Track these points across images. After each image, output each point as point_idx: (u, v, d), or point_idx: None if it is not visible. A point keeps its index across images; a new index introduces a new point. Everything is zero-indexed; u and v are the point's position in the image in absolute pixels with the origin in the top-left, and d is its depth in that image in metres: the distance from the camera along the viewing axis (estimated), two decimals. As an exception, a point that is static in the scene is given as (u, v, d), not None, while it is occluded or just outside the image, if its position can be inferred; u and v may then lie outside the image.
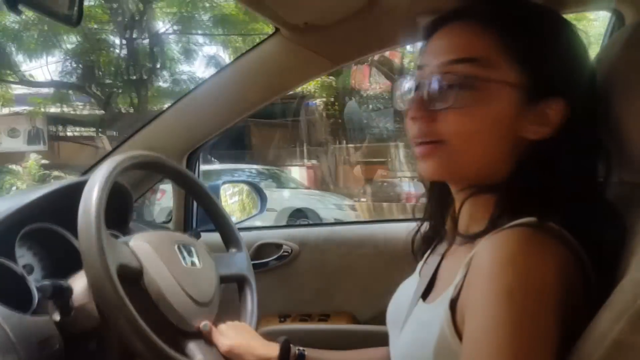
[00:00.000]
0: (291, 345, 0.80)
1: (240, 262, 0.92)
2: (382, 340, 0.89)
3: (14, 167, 9.05)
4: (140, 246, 0.72)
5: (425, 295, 0.63)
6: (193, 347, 0.72)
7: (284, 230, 1.40)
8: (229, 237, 0.93)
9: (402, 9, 0.96)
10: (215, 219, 0.93)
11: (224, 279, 0.86)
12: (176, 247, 0.78)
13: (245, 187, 1.69)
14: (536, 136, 0.55)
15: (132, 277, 0.69)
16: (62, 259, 0.92)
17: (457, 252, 0.61)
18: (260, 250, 1.36)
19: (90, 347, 0.71)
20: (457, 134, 0.55)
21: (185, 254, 0.78)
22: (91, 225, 0.64)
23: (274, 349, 0.79)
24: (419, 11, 0.97)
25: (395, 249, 1.26)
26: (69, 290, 0.69)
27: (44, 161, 8.74)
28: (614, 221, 0.54)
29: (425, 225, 0.73)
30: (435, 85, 0.56)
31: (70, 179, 0.93)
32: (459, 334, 0.52)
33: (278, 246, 1.36)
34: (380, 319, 1.26)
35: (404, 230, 1.30)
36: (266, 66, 1.12)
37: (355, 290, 1.29)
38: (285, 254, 1.34)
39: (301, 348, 0.82)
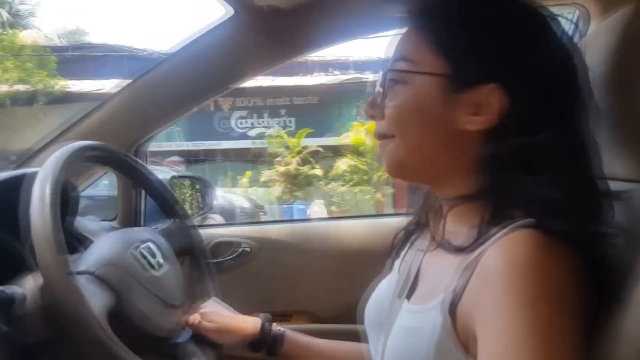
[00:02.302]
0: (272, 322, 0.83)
1: (186, 232, 0.88)
2: (346, 339, 0.86)
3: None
4: (109, 273, 0.65)
5: (409, 294, 0.61)
6: (186, 349, 0.71)
7: (242, 228, 1.34)
8: (170, 208, 0.88)
9: (370, -2, 0.93)
10: (156, 193, 0.88)
11: (177, 254, 0.82)
12: (139, 252, 0.71)
13: (197, 183, 1.61)
14: (479, 126, 0.55)
15: (113, 311, 0.62)
16: (6, 262, 0.81)
17: (444, 251, 0.58)
18: (216, 249, 1.29)
19: None
20: (393, 125, 0.59)
21: (148, 256, 0.73)
22: (56, 273, 0.56)
23: (256, 323, 0.82)
24: (386, 1, 0.94)
25: (358, 246, 1.23)
26: (22, 298, 0.60)
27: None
28: (610, 219, 0.52)
29: (410, 221, 0.71)
30: (378, 84, 0.61)
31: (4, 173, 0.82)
32: (460, 341, 0.49)
33: (235, 245, 1.29)
34: (343, 318, 1.24)
35: (367, 227, 1.30)
36: (221, 51, 1.05)
37: (317, 289, 1.25)
38: (243, 252, 1.28)
39: (281, 328, 0.83)
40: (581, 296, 0.46)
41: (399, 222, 0.73)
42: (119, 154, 0.79)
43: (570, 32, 0.98)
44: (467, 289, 0.50)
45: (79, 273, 0.63)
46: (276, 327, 0.82)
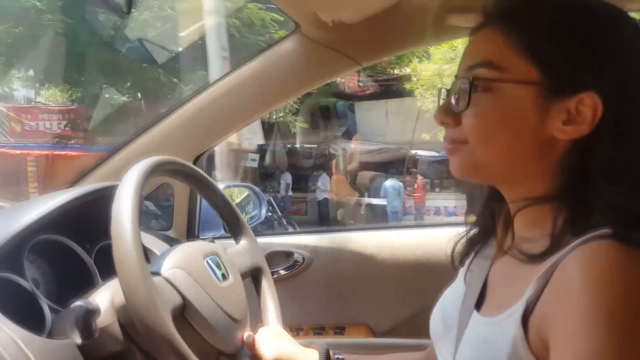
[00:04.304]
0: (330, 350, 0.79)
1: (252, 253, 0.87)
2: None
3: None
4: (177, 275, 0.66)
5: (478, 304, 0.59)
6: None
7: (295, 237, 1.35)
8: (239, 228, 0.88)
9: (433, 7, 0.93)
10: (224, 212, 0.88)
11: (241, 275, 0.81)
12: (205, 262, 0.72)
13: (247, 192, 1.62)
14: (572, 135, 0.53)
15: (177, 313, 0.63)
16: (67, 273, 0.84)
17: (513, 260, 0.57)
18: (269, 259, 1.29)
19: None
20: (475, 135, 0.56)
21: (215, 267, 0.73)
22: (136, 270, 0.58)
23: (314, 354, 0.78)
24: (448, 10, 0.94)
25: (414, 257, 1.22)
26: (98, 311, 0.61)
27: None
28: None
29: (474, 230, 0.69)
30: (456, 90, 0.57)
31: (79, 189, 0.84)
32: (533, 352, 0.48)
33: (288, 254, 1.30)
34: (399, 330, 1.23)
35: (423, 236, 1.29)
36: (284, 65, 1.06)
37: (371, 301, 1.24)
38: (297, 262, 1.29)
39: (340, 355, 0.80)
40: None
41: (457, 231, 0.71)
42: (191, 169, 0.80)
43: None
44: (541, 300, 0.49)
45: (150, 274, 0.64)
46: (335, 356, 0.80)
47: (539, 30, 0.54)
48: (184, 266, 0.67)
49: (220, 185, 1.47)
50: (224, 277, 0.73)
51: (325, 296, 1.27)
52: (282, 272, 1.29)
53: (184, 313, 0.64)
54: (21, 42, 7.40)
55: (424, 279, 1.18)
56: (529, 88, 0.53)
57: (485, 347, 0.54)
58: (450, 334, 0.62)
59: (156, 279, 0.64)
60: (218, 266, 0.74)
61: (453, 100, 0.58)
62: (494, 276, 0.61)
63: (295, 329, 1.25)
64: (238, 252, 0.85)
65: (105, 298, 0.64)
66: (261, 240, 1.35)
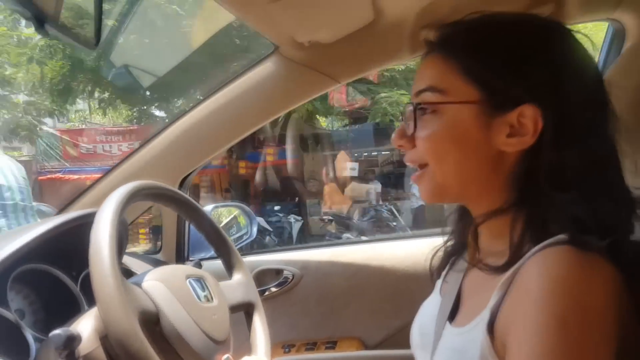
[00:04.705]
0: None
1: (246, 289, 0.87)
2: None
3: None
4: (154, 287, 0.67)
5: (451, 315, 0.61)
6: None
7: (284, 254, 1.35)
8: (233, 263, 0.88)
9: (407, 24, 0.95)
10: (218, 245, 0.88)
11: (232, 309, 0.81)
12: (188, 281, 0.72)
13: (236, 211, 1.63)
14: (517, 147, 0.55)
15: (150, 322, 0.63)
16: (54, 301, 0.84)
17: (481, 271, 0.59)
18: (259, 277, 1.30)
19: None
20: (430, 155, 0.59)
21: (197, 288, 0.73)
22: (107, 272, 0.59)
23: None
24: (423, 25, 0.96)
25: (402, 267, 1.23)
26: (79, 339, 0.61)
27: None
28: None
29: (449, 242, 0.72)
30: (407, 115, 0.61)
31: (60, 217, 0.84)
32: (500, 359, 0.50)
33: (278, 272, 1.30)
34: (390, 342, 1.24)
35: (410, 247, 1.30)
36: (265, 85, 1.08)
37: (362, 314, 1.25)
38: (287, 279, 1.29)
39: None
40: (617, 314, 0.46)
41: (438, 242, 0.73)
42: (173, 192, 0.80)
43: (605, 49, 0.98)
44: (503, 306, 0.50)
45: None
46: None
47: (474, 52, 0.57)
48: (162, 280, 0.68)
49: (208, 207, 1.48)
50: (207, 299, 0.73)
51: (316, 311, 1.27)
52: (273, 289, 1.29)
53: (158, 325, 0.64)
54: (80, 61, 6.98)
55: (413, 289, 1.18)
56: (470, 107, 0.56)
57: (457, 357, 0.55)
58: (426, 345, 0.64)
59: (132, 286, 0.64)
60: (202, 289, 0.74)
61: (406, 124, 0.62)
62: (465, 287, 0.63)
63: (287, 345, 1.25)
64: (231, 286, 0.85)
65: (87, 324, 0.64)
66: (250, 258, 1.37)
